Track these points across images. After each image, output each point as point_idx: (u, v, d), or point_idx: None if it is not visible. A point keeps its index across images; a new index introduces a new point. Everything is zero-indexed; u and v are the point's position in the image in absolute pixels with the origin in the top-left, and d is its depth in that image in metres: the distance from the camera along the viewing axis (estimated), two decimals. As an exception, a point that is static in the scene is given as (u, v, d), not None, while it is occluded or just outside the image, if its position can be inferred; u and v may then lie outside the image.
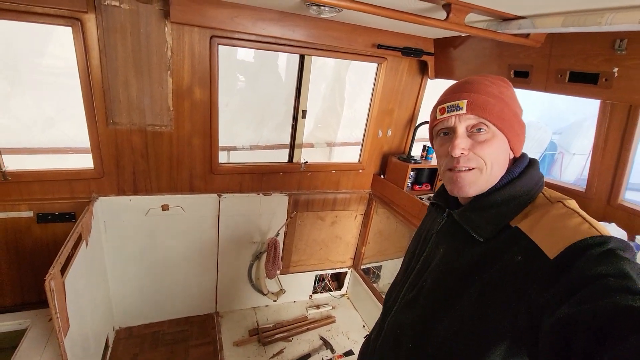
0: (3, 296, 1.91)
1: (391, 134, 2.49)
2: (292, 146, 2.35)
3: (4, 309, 1.89)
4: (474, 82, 0.73)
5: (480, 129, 0.70)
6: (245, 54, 3.22)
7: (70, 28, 1.54)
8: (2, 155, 1.70)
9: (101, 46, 1.61)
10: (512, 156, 0.74)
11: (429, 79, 2.33)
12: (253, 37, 1.84)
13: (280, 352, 2.29)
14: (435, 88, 2.15)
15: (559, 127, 5.20)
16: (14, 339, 1.72)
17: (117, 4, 1.56)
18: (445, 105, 0.73)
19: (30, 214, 1.80)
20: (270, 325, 2.48)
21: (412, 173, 2.35)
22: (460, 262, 0.70)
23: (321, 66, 3.43)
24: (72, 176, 1.83)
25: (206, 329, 2.37)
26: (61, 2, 1.46)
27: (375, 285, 2.69)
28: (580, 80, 1.31)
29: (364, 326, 2.63)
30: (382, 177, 2.53)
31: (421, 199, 2.14)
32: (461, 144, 0.69)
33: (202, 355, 2.18)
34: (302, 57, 2.10)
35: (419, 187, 2.42)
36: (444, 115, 0.72)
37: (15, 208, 1.76)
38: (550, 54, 1.39)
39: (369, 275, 2.85)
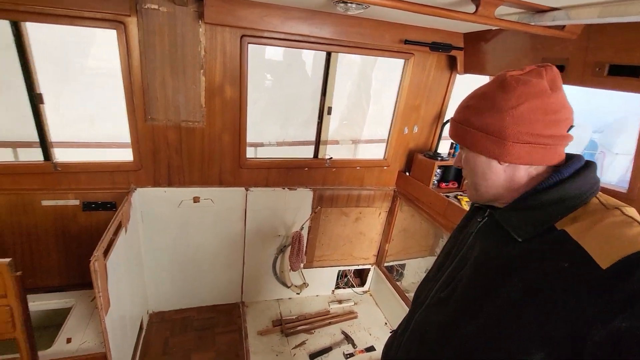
0: (51, 277, 2.09)
1: (417, 130, 2.46)
2: (318, 142, 2.38)
3: (52, 288, 2.07)
4: (465, 100, 0.74)
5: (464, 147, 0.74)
6: (273, 52, 3.30)
7: (114, 31, 1.66)
8: (53, 149, 1.86)
9: (142, 48, 1.72)
10: (545, 165, 0.68)
11: (458, 75, 2.28)
12: (282, 36, 1.88)
13: (303, 343, 2.34)
14: (465, 83, 2.11)
15: (599, 125, 4.85)
16: (61, 316, 1.88)
17: (156, 7, 1.66)
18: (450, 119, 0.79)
19: (77, 202, 1.96)
20: (293, 317, 2.54)
21: (438, 170, 2.31)
22: (496, 262, 0.67)
23: (347, 64, 3.44)
24: (113, 168, 1.97)
25: (232, 318, 2.47)
26: (107, 7, 1.58)
27: (398, 283, 2.67)
28: (621, 74, 1.24)
29: (386, 323, 2.63)
30: (407, 174, 2.51)
31: (447, 196, 2.11)
32: (456, 158, 0.78)
33: (228, 341, 2.27)
34: (328, 55, 2.13)
35: (446, 185, 2.38)
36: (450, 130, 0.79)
37: (64, 196, 1.93)
38: (588, 47, 1.33)
39: (392, 273, 2.84)
